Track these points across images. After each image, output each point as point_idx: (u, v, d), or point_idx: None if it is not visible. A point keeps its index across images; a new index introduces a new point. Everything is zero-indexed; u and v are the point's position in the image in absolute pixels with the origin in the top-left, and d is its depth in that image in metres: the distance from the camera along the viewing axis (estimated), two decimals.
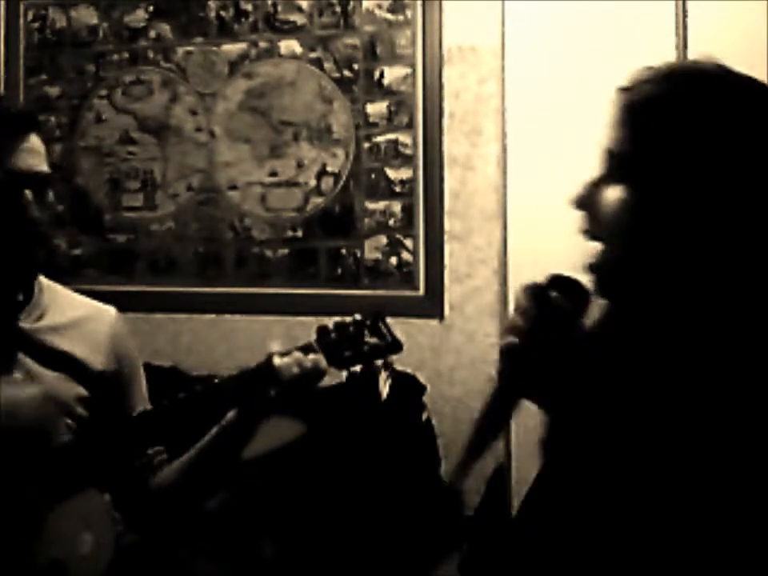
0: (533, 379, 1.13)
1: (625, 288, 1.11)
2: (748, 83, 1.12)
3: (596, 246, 1.12)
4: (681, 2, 2.66)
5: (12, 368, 1.59)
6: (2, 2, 3.36)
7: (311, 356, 1.54)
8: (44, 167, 1.61)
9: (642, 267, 1.08)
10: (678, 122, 1.07)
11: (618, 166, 1.10)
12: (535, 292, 1.13)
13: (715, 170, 1.05)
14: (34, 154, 1.59)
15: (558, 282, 1.13)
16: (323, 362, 1.55)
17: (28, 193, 1.56)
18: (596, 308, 1.15)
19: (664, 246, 1.07)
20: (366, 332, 1.58)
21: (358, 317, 1.59)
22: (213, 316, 3.18)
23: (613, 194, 1.10)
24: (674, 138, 1.06)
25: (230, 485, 1.73)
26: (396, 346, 1.61)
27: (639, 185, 1.08)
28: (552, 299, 1.12)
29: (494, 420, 1.16)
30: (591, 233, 1.12)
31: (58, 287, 1.74)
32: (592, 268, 1.12)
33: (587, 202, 1.12)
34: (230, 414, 1.59)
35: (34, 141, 1.60)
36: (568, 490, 1.12)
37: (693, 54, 2.65)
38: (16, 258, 1.59)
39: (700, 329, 1.07)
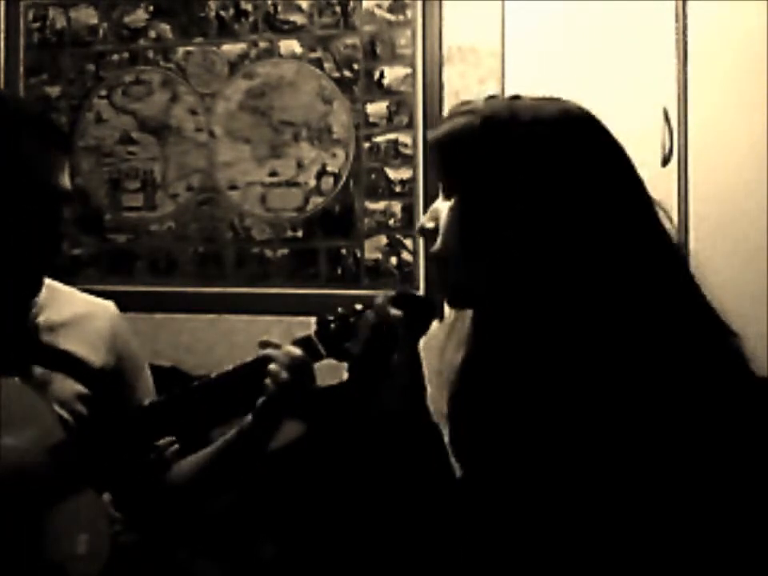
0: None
1: (473, 298, 1.17)
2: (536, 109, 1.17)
3: (439, 264, 1.19)
4: (681, 2, 2.66)
5: (10, 369, 1.58)
6: (2, 2, 3.36)
7: (297, 354, 1.53)
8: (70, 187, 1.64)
9: (477, 275, 1.14)
10: (487, 138, 1.14)
11: (444, 184, 1.17)
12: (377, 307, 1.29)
13: (517, 176, 1.11)
14: (68, 174, 1.62)
15: (403, 297, 1.28)
16: (309, 362, 1.54)
17: (64, 212, 1.59)
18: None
19: (488, 251, 1.12)
20: None
21: (358, 307, 1.58)
22: (213, 316, 3.19)
23: (438, 212, 1.17)
24: (482, 154, 1.13)
25: (245, 484, 1.72)
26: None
27: (462, 197, 1.15)
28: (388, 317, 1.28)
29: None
30: (436, 254, 1.18)
31: (56, 284, 1.73)
32: (439, 284, 1.19)
33: (431, 226, 1.18)
34: (249, 417, 1.59)
35: (67, 161, 1.63)
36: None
37: (693, 54, 2.66)
38: (37, 270, 1.61)
39: (542, 326, 1.11)
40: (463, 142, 1.15)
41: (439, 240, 1.16)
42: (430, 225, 1.18)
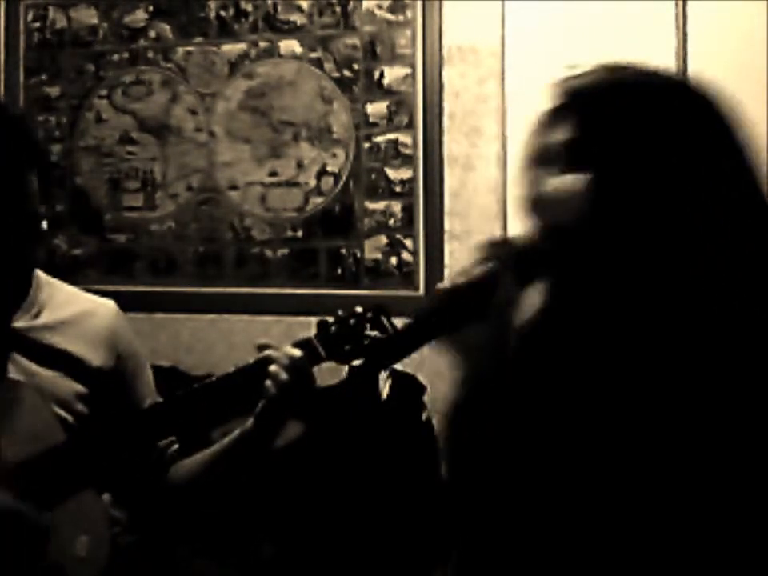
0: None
1: (583, 272, 1.15)
2: (676, 80, 1.18)
3: (549, 234, 1.16)
4: (681, 2, 2.66)
5: (8, 368, 1.58)
6: (2, 2, 3.36)
7: (297, 355, 1.53)
8: (39, 208, 1.61)
9: (605, 251, 1.12)
10: (625, 106, 1.12)
11: (571, 155, 1.14)
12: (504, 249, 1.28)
13: (661, 149, 1.10)
14: (36, 196, 1.58)
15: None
16: (308, 363, 1.54)
17: (37, 240, 1.59)
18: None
19: (626, 226, 1.10)
20: (368, 325, 1.57)
21: (359, 309, 1.57)
22: (213, 316, 3.18)
23: (565, 183, 1.13)
24: (622, 124, 1.11)
25: (246, 485, 1.72)
26: None
27: (596, 170, 1.11)
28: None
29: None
30: (548, 227, 1.16)
31: (57, 283, 1.73)
32: (546, 253, 1.17)
33: (541, 199, 1.16)
34: (251, 419, 1.58)
35: (34, 179, 1.57)
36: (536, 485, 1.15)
37: (693, 54, 2.66)
38: (11, 285, 1.62)
39: (653, 304, 1.10)
40: (610, 107, 1.13)
41: (562, 211, 1.14)
42: (541, 197, 1.16)
